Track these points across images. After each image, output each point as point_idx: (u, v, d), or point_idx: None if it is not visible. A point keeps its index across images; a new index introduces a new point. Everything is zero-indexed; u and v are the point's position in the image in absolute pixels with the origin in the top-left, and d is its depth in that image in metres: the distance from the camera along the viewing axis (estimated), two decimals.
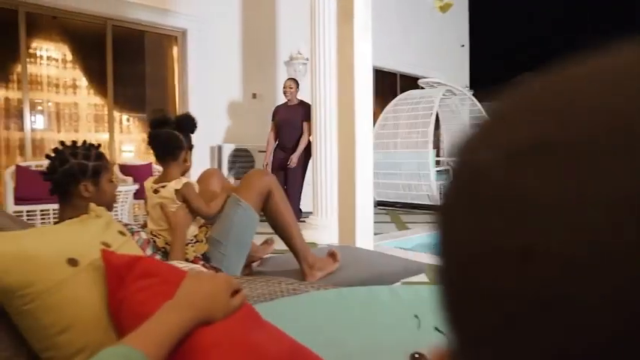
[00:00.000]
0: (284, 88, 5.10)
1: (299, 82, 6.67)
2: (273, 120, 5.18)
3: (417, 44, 9.09)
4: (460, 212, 0.21)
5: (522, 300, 0.17)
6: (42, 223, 3.87)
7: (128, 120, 5.75)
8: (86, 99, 5.36)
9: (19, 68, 4.87)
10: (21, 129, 4.89)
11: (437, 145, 8.77)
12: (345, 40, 3.36)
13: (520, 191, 0.18)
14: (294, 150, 4.97)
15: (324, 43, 4.56)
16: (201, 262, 1.83)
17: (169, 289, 0.79)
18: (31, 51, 4.96)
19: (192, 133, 1.96)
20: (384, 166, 7.27)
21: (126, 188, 4.04)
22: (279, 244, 2.30)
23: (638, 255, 0.15)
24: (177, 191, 1.82)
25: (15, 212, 3.78)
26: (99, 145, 1.62)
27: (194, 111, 5.78)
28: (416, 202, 7.00)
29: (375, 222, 3.70)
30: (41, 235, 0.87)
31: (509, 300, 0.17)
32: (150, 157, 4.73)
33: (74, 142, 1.56)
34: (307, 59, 6.29)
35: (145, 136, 4.71)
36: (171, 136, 1.87)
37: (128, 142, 5.78)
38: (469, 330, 0.20)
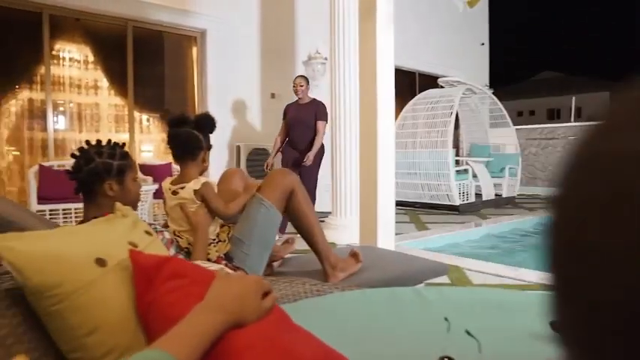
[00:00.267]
0: (294, 86, 4.87)
1: (317, 81, 6.67)
2: (283, 119, 4.97)
3: (435, 43, 9.00)
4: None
5: None
6: (64, 222, 3.92)
7: (148, 120, 5.80)
8: (107, 99, 5.42)
9: (42, 70, 4.94)
10: (44, 129, 4.96)
11: (456, 145, 8.67)
12: (367, 36, 3.32)
13: None
14: (306, 149, 4.78)
15: (344, 41, 4.53)
16: (224, 262, 1.81)
17: (199, 290, 0.77)
18: (54, 53, 5.03)
19: (211, 133, 1.94)
20: (403, 166, 7.20)
21: (146, 188, 4.07)
22: (300, 244, 2.28)
23: None
24: (195, 191, 1.80)
25: (38, 211, 3.82)
26: (123, 144, 1.61)
27: (213, 111, 5.79)
28: (435, 202, 6.93)
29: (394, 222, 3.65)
30: (69, 234, 0.85)
31: None
32: (169, 157, 4.76)
33: (99, 141, 1.55)
34: (326, 58, 6.27)
35: (164, 135, 4.74)
36: (191, 135, 1.85)
37: (148, 142, 5.83)
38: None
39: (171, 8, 5.48)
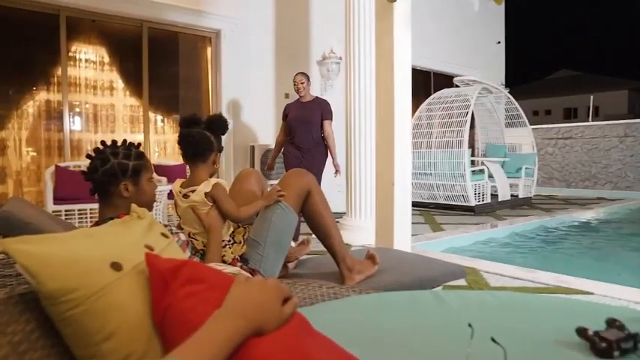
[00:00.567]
0: (295, 84, 4.57)
1: (332, 80, 6.65)
2: (284, 119, 4.67)
3: (451, 42, 8.92)
4: None
5: None
6: (80, 222, 3.94)
7: (163, 120, 5.82)
8: (122, 100, 5.45)
9: (59, 71, 4.98)
10: (60, 130, 5.00)
11: (471, 145, 8.58)
12: (384, 36, 3.28)
13: None
14: (311, 149, 4.50)
15: (360, 41, 4.49)
16: (239, 264, 1.79)
17: (217, 296, 0.74)
18: (70, 54, 5.07)
19: (223, 134, 1.91)
20: (418, 166, 7.15)
21: (160, 188, 4.07)
22: (315, 245, 2.25)
23: None
24: (206, 193, 1.77)
25: (54, 212, 3.85)
26: (139, 145, 1.60)
27: (227, 111, 5.86)
28: (450, 202, 6.86)
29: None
30: (84, 237, 0.83)
31: None
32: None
33: (115, 142, 1.54)
34: (340, 58, 6.24)
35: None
36: (202, 136, 1.83)
37: (163, 142, 5.85)
38: None
39: (186, 9, 5.50)
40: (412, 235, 4.61)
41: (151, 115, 5.64)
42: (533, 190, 7.88)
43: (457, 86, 7.91)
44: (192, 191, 1.77)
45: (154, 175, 4.61)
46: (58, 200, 3.97)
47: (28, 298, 0.74)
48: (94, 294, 0.74)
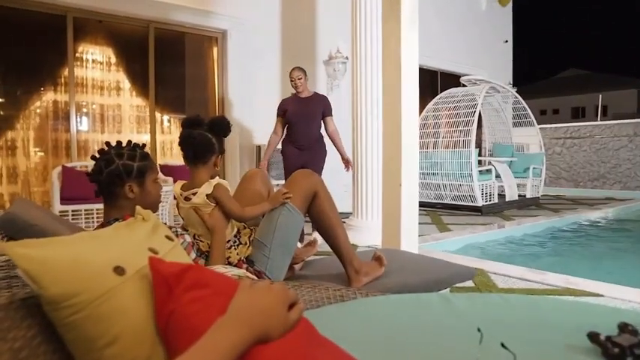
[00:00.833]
0: (292, 80, 4.30)
1: (338, 80, 6.63)
2: (280, 116, 4.38)
3: (458, 41, 8.87)
4: None
5: None
6: (86, 222, 3.95)
7: (169, 121, 5.83)
8: (129, 100, 5.46)
9: (66, 72, 5.00)
10: (67, 130, 5.02)
11: (478, 145, 8.53)
12: (391, 36, 3.26)
13: None
14: (312, 147, 4.30)
15: (366, 41, 4.48)
16: (245, 266, 1.78)
17: (221, 301, 0.73)
18: (77, 55, 5.09)
19: (226, 136, 1.89)
20: (425, 166, 7.11)
21: (167, 188, 4.08)
22: (322, 245, 2.23)
23: None
24: (208, 195, 1.75)
25: (60, 212, 3.87)
26: (144, 145, 1.59)
27: (233, 111, 5.86)
28: (457, 202, 6.82)
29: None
30: (87, 241, 0.82)
31: None
32: None
33: (119, 143, 1.53)
34: (347, 58, 6.22)
35: None
36: (204, 138, 1.80)
37: (169, 142, 5.86)
38: None
39: (192, 9, 5.50)
40: (420, 236, 4.59)
41: (158, 115, 5.65)
42: (540, 190, 7.82)
43: (464, 85, 7.87)
44: (194, 194, 1.75)
45: (160, 175, 4.63)
46: (64, 200, 3.98)
47: (30, 303, 0.72)
48: (97, 299, 0.73)
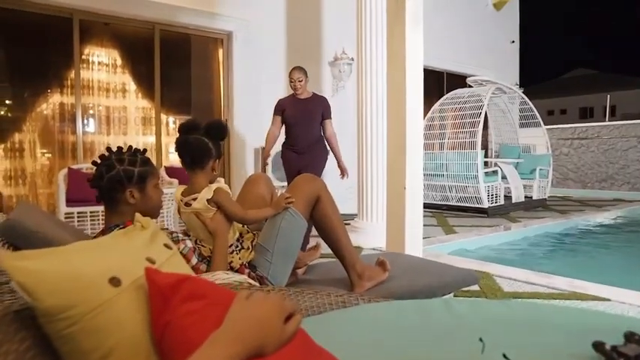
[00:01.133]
0: (292, 81, 4.10)
1: (343, 82, 6.61)
2: (277, 114, 4.22)
3: (464, 41, 8.83)
4: None
5: None
6: (92, 224, 3.97)
7: (174, 122, 5.84)
8: (134, 102, 5.48)
9: (72, 74, 5.02)
10: (73, 132, 5.04)
11: (485, 146, 8.49)
12: (395, 39, 3.25)
13: None
14: (310, 151, 4.11)
15: (372, 43, 4.47)
16: (247, 271, 1.77)
17: (217, 313, 0.72)
18: (83, 57, 5.11)
19: (222, 140, 1.88)
20: (430, 168, 7.09)
21: (172, 190, 4.08)
22: (325, 249, 2.22)
23: None
24: (209, 200, 1.75)
25: (66, 214, 3.88)
26: (145, 150, 1.59)
27: (239, 112, 5.86)
28: (463, 204, 6.79)
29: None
30: (84, 251, 0.82)
31: None
32: None
33: (120, 148, 1.53)
34: (352, 59, 6.21)
35: None
36: (200, 143, 1.79)
37: (174, 144, 5.87)
38: None
39: (197, 11, 5.51)
40: (425, 238, 4.56)
41: (163, 117, 5.66)
42: (547, 191, 7.77)
43: (470, 86, 7.83)
44: (194, 199, 1.74)
45: (165, 176, 4.64)
46: (70, 202, 4.00)
47: (24, 315, 0.72)
48: (92, 311, 0.72)
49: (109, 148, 1.53)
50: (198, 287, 0.80)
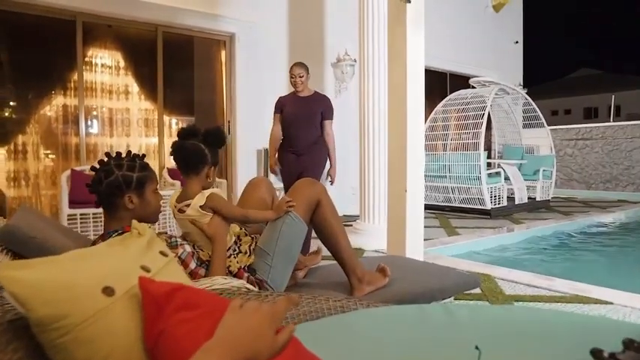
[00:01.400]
0: (292, 77, 3.93)
1: (346, 83, 6.61)
2: (278, 113, 4.07)
3: (467, 42, 8.81)
4: None
5: None
6: (94, 226, 3.98)
7: (177, 124, 5.86)
8: (137, 104, 5.50)
9: (75, 76, 5.05)
10: (77, 134, 5.07)
11: (488, 147, 8.46)
12: (396, 41, 3.24)
13: None
14: (308, 152, 3.91)
15: (374, 45, 4.47)
16: (246, 275, 1.77)
17: (211, 322, 0.72)
18: (87, 59, 5.13)
19: (220, 147, 1.87)
20: (433, 169, 7.07)
21: (170, 193, 4.08)
22: (326, 251, 2.22)
23: None
24: (203, 206, 1.74)
25: (69, 215, 3.90)
26: (143, 155, 1.59)
27: (242, 114, 5.87)
28: (465, 206, 6.77)
29: (423, 226, 3.55)
30: (78, 260, 0.82)
31: None
32: None
33: (119, 153, 1.54)
34: (355, 60, 6.20)
35: None
36: (196, 149, 1.78)
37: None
38: None
39: (200, 13, 5.52)
40: (427, 240, 4.55)
41: (166, 118, 5.68)
42: (551, 192, 7.74)
43: (473, 87, 7.81)
44: (187, 205, 1.74)
45: (167, 178, 4.64)
46: (73, 204, 4.01)
47: (18, 325, 0.72)
48: (85, 321, 0.73)
49: (107, 154, 1.53)
50: (192, 296, 0.80)
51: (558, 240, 5.46)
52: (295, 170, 3.84)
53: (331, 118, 3.98)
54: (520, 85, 9.70)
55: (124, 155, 1.53)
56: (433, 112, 7.54)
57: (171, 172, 4.88)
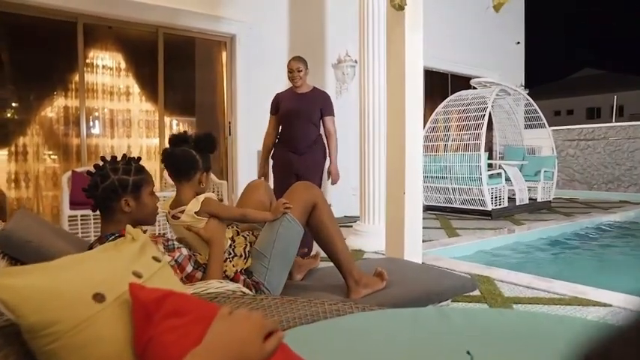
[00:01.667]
0: (290, 71, 3.71)
1: (347, 84, 6.61)
2: (274, 113, 3.85)
3: (469, 43, 8.80)
4: None
5: None
6: (95, 227, 3.99)
7: (178, 124, 5.87)
8: (138, 105, 5.51)
9: (76, 77, 5.06)
10: (78, 135, 5.08)
11: (489, 147, 8.45)
12: (395, 42, 3.24)
13: None
14: (307, 151, 3.70)
15: (374, 46, 4.46)
16: (243, 278, 1.78)
17: (199, 330, 0.73)
18: (88, 61, 5.15)
19: (211, 153, 1.88)
20: (434, 170, 7.07)
21: (169, 194, 4.09)
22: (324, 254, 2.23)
23: None
24: (197, 212, 1.74)
25: (70, 217, 3.91)
26: (139, 158, 1.60)
27: (242, 115, 5.88)
28: (466, 207, 6.76)
29: (423, 227, 3.55)
30: (70, 266, 0.83)
31: None
32: None
33: (114, 157, 1.55)
34: (356, 61, 6.20)
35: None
36: (186, 155, 1.78)
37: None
38: None
39: (201, 14, 5.53)
40: (428, 241, 4.56)
41: (167, 119, 5.69)
42: (552, 193, 7.72)
43: (474, 88, 7.80)
44: (182, 212, 1.75)
45: (167, 179, 4.64)
46: (74, 205, 4.02)
47: (9, 332, 0.73)
48: (75, 327, 0.73)
49: (103, 158, 1.54)
50: (182, 303, 0.81)
51: (558, 241, 5.45)
52: (294, 171, 3.65)
53: (332, 115, 3.78)
54: (521, 85, 9.69)
55: (119, 159, 1.54)
56: (434, 113, 7.53)
57: None
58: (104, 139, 5.29)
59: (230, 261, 1.77)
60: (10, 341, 0.72)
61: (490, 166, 7.25)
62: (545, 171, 7.55)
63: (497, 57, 9.37)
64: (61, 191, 4.11)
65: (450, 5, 8.31)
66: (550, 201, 7.63)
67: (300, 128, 3.70)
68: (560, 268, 4.32)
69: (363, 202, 4.64)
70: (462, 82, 8.67)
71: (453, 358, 1.13)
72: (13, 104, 4.89)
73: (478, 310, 1.88)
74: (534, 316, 1.61)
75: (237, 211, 1.88)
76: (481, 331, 1.33)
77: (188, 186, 1.79)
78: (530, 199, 7.22)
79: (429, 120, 7.46)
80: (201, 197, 1.75)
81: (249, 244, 1.88)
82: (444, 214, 6.80)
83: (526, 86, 9.86)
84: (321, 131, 3.88)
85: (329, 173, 3.83)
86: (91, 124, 5.20)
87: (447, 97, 7.79)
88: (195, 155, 1.78)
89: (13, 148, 4.77)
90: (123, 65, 5.40)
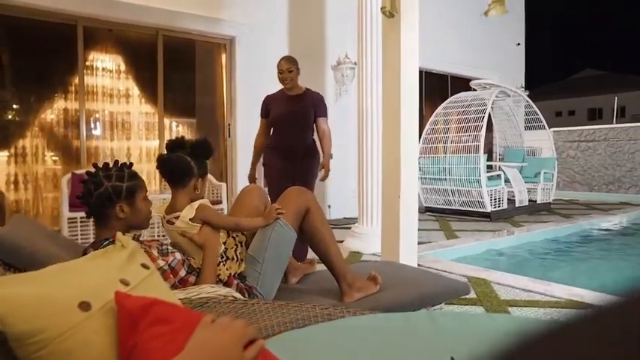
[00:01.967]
0: (280, 72, 3.54)
1: (346, 86, 6.62)
2: (264, 117, 3.69)
3: (469, 44, 8.81)
4: None
5: None
6: (94, 229, 4.00)
7: (178, 126, 5.89)
8: (138, 107, 5.53)
9: (76, 80, 5.09)
10: (78, 137, 5.11)
11: (489, 149, 8.45)
12: (391, 46, 3.26)
13: None
14: (301, 156, 3.54)
15: (372, 48, 4.48)
16: (236, 282, 1.80)
17: (183, 337, 0.75)
18: (87, 63, 5.18)
19: (208, 159, 1.88)
20: (433, 172, 7.08)
21: (166, 196, 4.11)
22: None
23: None
24: (192, 219, 1.75)
25: (69, 219, 3.94)
26: (131, 164, 1.61)
27: (242, 117, 5.90)
28: (465, 208, 6.77)
29: (422, 229, 3.56)
30: (57, 275, 0.85)
31: None
32: None
33: (106, 164, 1.56)
34: (355, 63, 6.22)
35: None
36: (181, 161, 1.78)
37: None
38: None
39: (200, 17, 5.55)
40: (426, 243, 4.57)
41: (166, 121, 5.71)
42: (552, 194, 7.72)
43: (474, 89, 7.81)
44: (176, 218, 1.76)
45: (165, 183, 4.67)
46: (73, 207, 4.05)
47: None
48: (61, 335, 0.75)
49: (95, 165, 1.56)
50: (167, 311, 0.83)
51: (558, 243, 5.45)
52: (284, 179, 3.42)
53: (325, 116, 3.60)
54: (522, 87, 9.69)
55: (111, 165, 1.56)
56: (434, 115, 7.54)
57: None
58: (104, 141, 5.31)
59: (223, 264, 1.78)
60: None
61: (490, 167, 7.25)
62: (544, 172, 7.55)
63: (497, 58, 9.37)
64: (61, 193, 4.14)
65: (450, 6, 8.32)
66: (550, 202, 7.63)
67: (295, 134, 3.54)
68: (560, 270, 4.33)
69: (361, 204, 4.66)
70: (462, 83, 8.67)
71: None
72: (14, 106, 4.92)
73: (468, 315, 1.89)
74: (526, 320, 1.62)
75: (231, 220, 1.88)
76: (469, 335, 1.34)
77: (183, 192, 1.80)
78: (529, 200, 7.22)
79: (429, 122, 7.47)
80: (196, 204, 1.76)
81: (239, 245, 1.89)
82: (444, 216, 6.81)
83: (526, 87, 9.86)
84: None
85: (322, 165, 3.61)
86: (91, 126, 5.23)
87: (447, 98, 7.80)
88: (190, 162, 1.79)
89: (13, 150, 4.80)
90: (123, 67, 5.43)
